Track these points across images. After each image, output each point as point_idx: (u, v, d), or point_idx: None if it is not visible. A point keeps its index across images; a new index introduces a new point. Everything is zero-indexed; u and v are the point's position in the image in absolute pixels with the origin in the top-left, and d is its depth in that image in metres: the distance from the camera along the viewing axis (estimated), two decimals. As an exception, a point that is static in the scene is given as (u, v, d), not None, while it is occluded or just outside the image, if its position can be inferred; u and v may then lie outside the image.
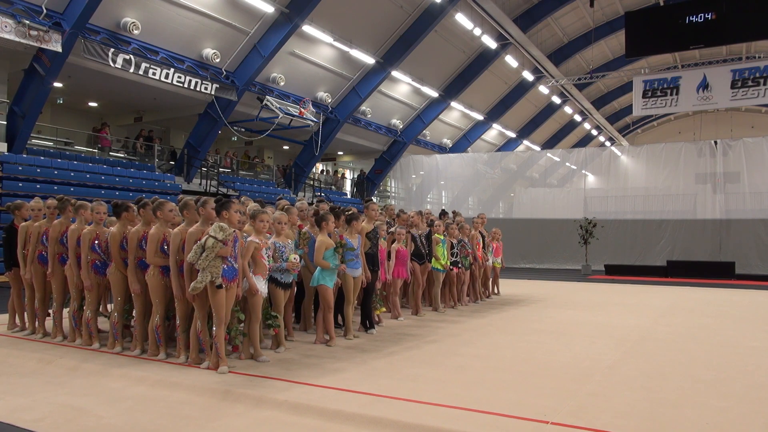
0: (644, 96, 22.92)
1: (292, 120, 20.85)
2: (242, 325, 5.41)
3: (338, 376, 4.99)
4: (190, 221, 5.45)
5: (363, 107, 24.33)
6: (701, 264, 17.61)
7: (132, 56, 15.88)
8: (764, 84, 21.02)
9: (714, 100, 22.25)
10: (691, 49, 24.26)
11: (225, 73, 18.68)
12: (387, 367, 5.36)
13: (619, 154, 24.38)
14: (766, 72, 21.11)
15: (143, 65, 16.20)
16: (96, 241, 6.02)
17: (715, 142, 20.80)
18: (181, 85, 17.35)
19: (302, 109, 20.80)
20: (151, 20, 16.15)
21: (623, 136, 44.64)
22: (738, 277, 16.54)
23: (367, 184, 28.26)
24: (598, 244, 19.09)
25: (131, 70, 15.93)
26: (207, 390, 4.59)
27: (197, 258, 4.96)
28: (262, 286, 5.47)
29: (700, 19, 19.52)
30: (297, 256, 6.03)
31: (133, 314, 5.93)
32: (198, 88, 17.77)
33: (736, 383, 4.92)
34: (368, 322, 7.16)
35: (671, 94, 22.39)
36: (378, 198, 28.75)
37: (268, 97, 19.97)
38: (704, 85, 21.89)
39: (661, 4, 24.77)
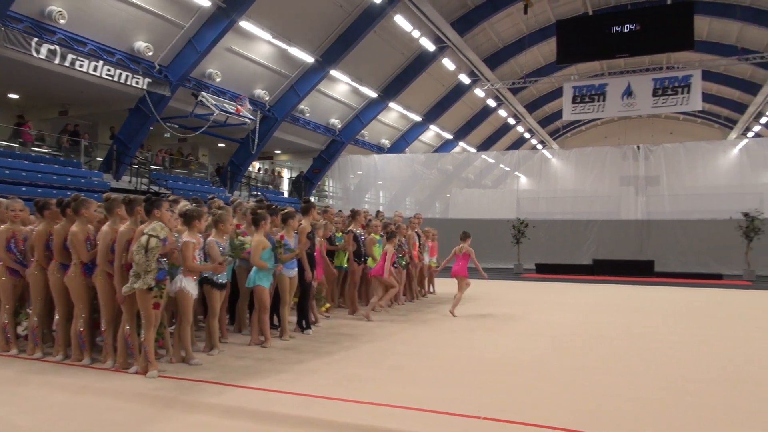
0: (573, 101, 23.90)
1: (228, 117, 20.37)
2: (173, 327, 5.27)
3: (273, 377, 4.95)
4: (117, 220, 5.28)
5: (301, 106, 24.11)
6: (624, 262, 18.50)
7: (57, 47, 15.08)
8: (682, 93, 22.34)
9: (637, 107, 23.51)
10: (617, 58, 25.45)
11: (158, 67, 18.05)
12: (324, 367, 5.36)
13: (549, 156, 25.32)
14: (684, 81, 22.44)
15: (69, 56, 15.42)
16: (12, 241, 5.70)
17: (638, 147, 21.90)
18: (111, 78, 16.62)
19: (239, 107, 20.38)
20: (79, 9, 15.39)
21: (554, 139, 46.25)
22: (657, 275, 17.49)
23: (305, 183, 28.03)
24: (529, 243, 19.68)
25: (56, 62, 15.12)
26: (136, 395, 4.45)
27: (143, 259, 4.80)
28: (192, 287, 5.34)
29: (626, 29, 20.61)
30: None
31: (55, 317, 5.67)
32: (129, 82, 17.07)
33: (648, 375, 5.22)
34: (304, 323, 7.13)
35: (598, 101, 23.44)
36: (316, 198, 28.55)
37: (203, 93, 19.44)
38: (628, 93, 23.06)
39: (590, 13, 25.84)
